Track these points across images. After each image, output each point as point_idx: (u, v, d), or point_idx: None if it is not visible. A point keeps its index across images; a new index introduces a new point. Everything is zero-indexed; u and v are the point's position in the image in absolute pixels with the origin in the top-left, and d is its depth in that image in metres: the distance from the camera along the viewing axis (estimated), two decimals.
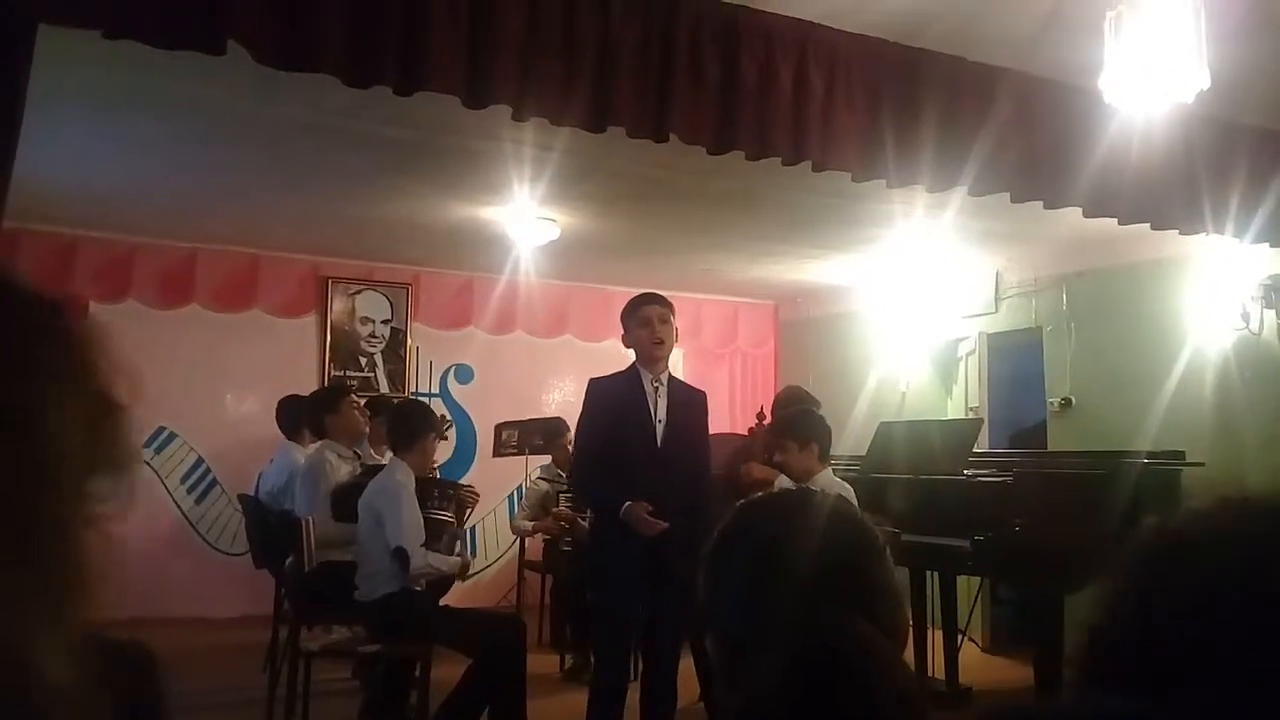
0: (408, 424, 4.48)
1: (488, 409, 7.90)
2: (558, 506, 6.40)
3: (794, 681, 1.04)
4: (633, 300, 4.15)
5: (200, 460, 7.41)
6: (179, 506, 7.35)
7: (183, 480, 7.37)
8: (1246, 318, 5.84)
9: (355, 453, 5.19)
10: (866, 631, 1.08)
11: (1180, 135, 4.01)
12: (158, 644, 0.90)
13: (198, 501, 7.40)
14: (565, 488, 6.35)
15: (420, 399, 7.52)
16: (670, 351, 4.11)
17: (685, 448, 4.01)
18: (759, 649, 1.09)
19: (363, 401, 5.75)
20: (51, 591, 0.57)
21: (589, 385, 4.15)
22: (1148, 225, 4.27)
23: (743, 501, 1.26)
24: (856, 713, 1.03)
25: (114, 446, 0.63)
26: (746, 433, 5.98)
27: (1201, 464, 5.63)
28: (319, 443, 5.29)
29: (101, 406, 0.61)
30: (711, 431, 4.56)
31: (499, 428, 7.38)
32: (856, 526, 1.20)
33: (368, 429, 5.43)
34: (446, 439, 6.15)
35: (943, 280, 7.53)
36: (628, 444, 3.94)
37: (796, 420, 4.67)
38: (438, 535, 4.38)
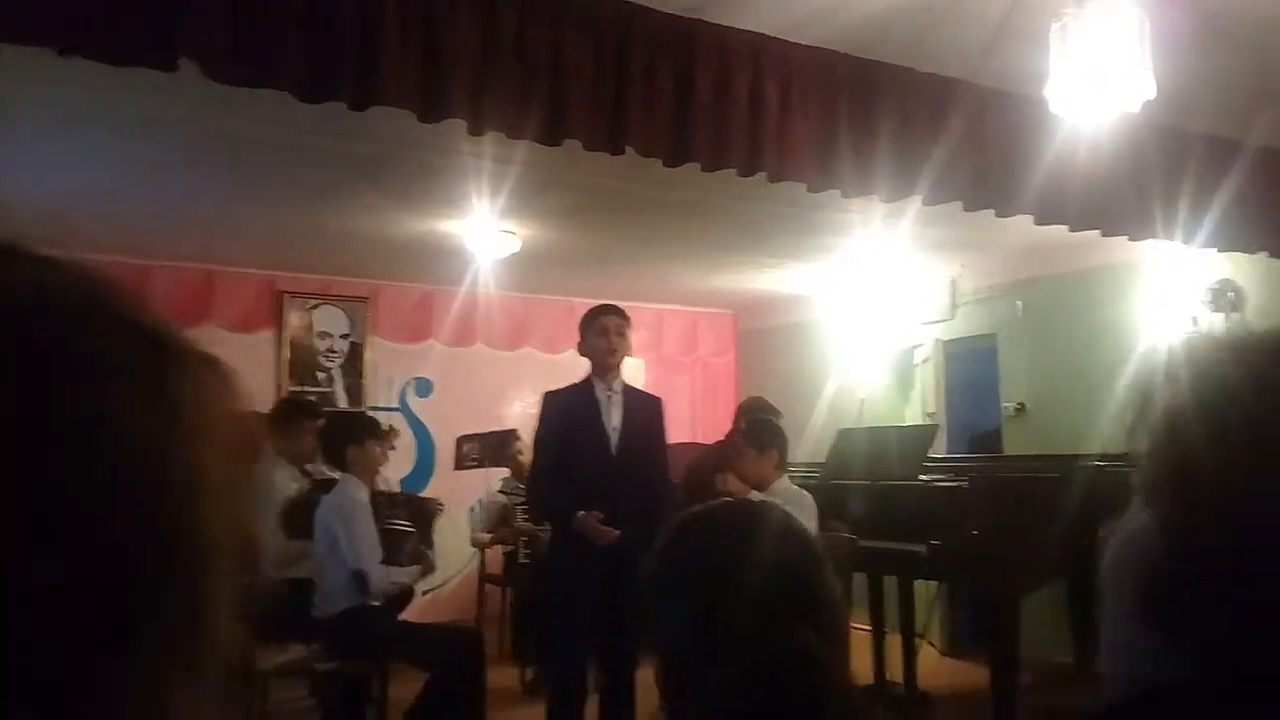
0: (333, 438, 4.41)
1: (448, 422, 7.86)
2: (516, 520, 6.39)
3: (745, 697, 1.04)
4: (590, 311, 4.22)
5: None
6: None
7: None
8: (1196, 321, 5.95)
9: (304, 471, 5.10)
10: (814, 644, 1.08)
11: (1128, 143, 4.09)
12: None
13: None
14: (523, 500, 6.34)
15: (351, 409, 7.48)
16: (623, 360, 4.15)
17: (642, 455, 4.03)
18: (706, 664, 1.08)
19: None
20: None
21: (543, 398, 4.18)
22: (1098, 232, 4.34)
23: (684, 515, 1.25)
24: None
25: (250, 518, 0.55)
26: (717, 443, 5.94)
27: None
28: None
29: (243, 475, 0.54)
30: (673, 440, 4.58)
31: (460, 440, 7.35)
32: (800, 537, 1.20)
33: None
34: (394, 448, 6.05)
35: (899, 288, 7.60)
36: (583, 454, 3.96)
37: (757, 427, 4.71)
38: (399, 547, 4.34)
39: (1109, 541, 0.85)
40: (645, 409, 4.21)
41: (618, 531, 3.78)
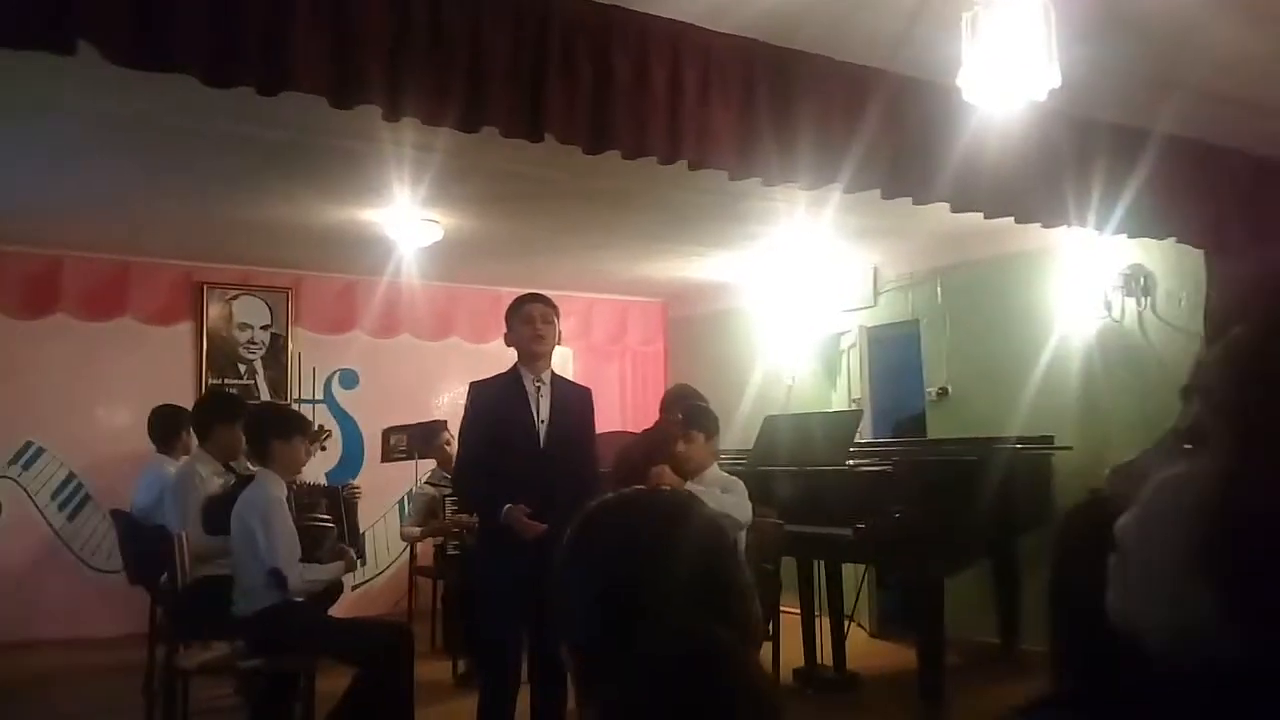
0: (259, 432, 4.30)
1: (375, 414, 7.77)
2: (444, 512, 6.33)
3: (655, 694, 1.03)
4: (516, 300, 4.16)
5: (71, 475, 7.12)
6: (50, 524, 7.05)
7: (53, 496, 7.07)
8: (1109, 306, 6.11)
9: (229, 466, 5.02)
10: (727, 640, 1.07)
11: (1039, 132, 4.16)
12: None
13: (70, 518, 7.10)
14: (451, 491, 6.30)
15: (281, 402, 7.38)
16: (551, 350, 4.11)
17: (570, 446, 4.00)
18: (614, 659, 1.07)
19: None
20: None
21: (470, 388, 4.13)
22: (1012, 219, 4.42)
23: (595, 503, 1.23)
24: None
25: None
26: (646, 432, 5.91)
27: (1069, 447, 5.87)
28: (186, 456, 5.12)
29: None
30: (603, 430, 4.57)
31: (387, 433, 7.27)
32: (711, 527, 1.19)
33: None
34: (325, 449, 5.97)
35: (824, 276, 7.69)
36: (510, 445, 3.92)
37: (705, 413, 4.71)
38: (318, 543, 4.26)
39: (1148, 483, 0.78)
40: (574, 400, 4.17)
41: (545, 525, 3.76)
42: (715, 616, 1.09)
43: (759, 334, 8.35)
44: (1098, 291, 6.13)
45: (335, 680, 4.11)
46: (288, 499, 4.14)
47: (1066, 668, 1.15)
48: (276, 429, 4.27)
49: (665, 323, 9.49)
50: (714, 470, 4.59)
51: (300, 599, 4.07)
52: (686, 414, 4.70)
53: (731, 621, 1.10)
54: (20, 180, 5.38)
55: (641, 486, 3.01)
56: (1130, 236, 5.05)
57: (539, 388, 4.03)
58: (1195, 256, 5.36)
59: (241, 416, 4.98)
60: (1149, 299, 5.98)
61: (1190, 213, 4.87)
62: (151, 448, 5.75)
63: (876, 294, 7.55)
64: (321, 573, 4.20)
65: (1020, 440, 5.70)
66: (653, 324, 9.47)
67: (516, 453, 3.93)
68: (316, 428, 6.20)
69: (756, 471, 5.51)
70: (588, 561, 1.17)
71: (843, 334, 7.83)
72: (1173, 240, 5.07)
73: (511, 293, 4.40)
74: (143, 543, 5.00)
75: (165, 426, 5.69)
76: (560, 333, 4.20)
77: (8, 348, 6.88)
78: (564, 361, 8.17)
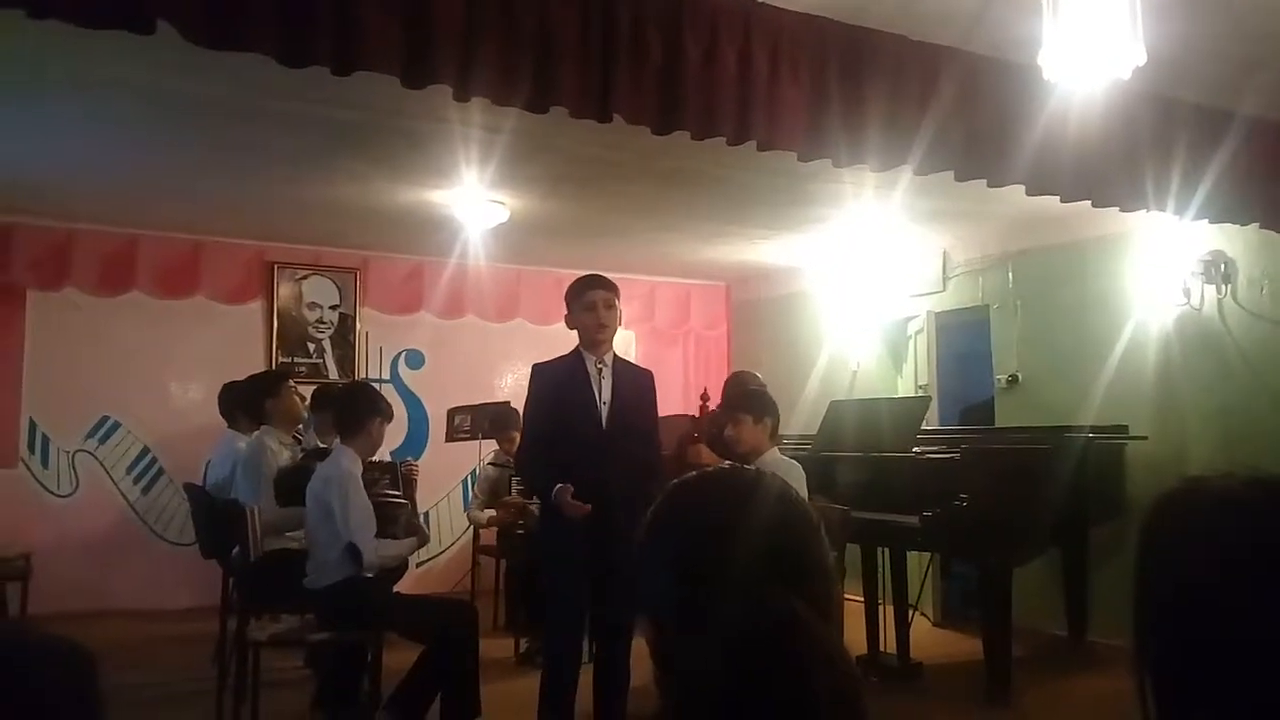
0: (354, 408, 4.36)
1: (440, 394, 7.85)
2: (510, 493, 6.37)
3: (731, 665, 1.03)
4: (577, 282, 4.11)
5: (146, 450, 7.30)
6: (125, 497, 7.24)
7: (128, 470, 7.26)
8: (1188, 293, 5.94)
9: (295, 437, 5.11)
10: (803, 613, 1.07)
11: (1120, 112, 4.06)
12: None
13: (144, 492, 7.29)
14: (515, 472, 6.33)
15: (367, 382, 7.47)
16: (614, 335, 4.09)
17: (632, 429, 3.99)
18: (692, 631, 1.07)
19: (309, 391, 5.67)
20: None
21: (533, 370, 4.13)
22: (1089, 203, 4.31)
23: (676, 481, 1.24)
24: (794, 697, 1.02)
25: None
26: (694, 415, 5.96)
27: (1144, 438, 5.74)
28: (258, 430, 5.21)
29: None
30: (665, 413, 4.55)
31: (451, 412, 7.34)
32: (792, 504, 1.19)
33: (307, 414, 5.34)
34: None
35: (891, 259, 7.58)
36: (573, 427, 3.92)
37: (752, 395, 4.73)
38: (393, 519, 4.32)
39: None
40: (636, 382, 4.15)
41: (589, 507, 3.76)
42: (791, 591, 1.08)
43: (824, 318, 8.28)
44: (1176, 278, 5.96)
45: (402, 655, 4.17)
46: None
47: (1149, 656, 1.11)
48: (381, 408, 4.36)
49: (729, 306, 9.45)
50: (772, 454, 4.56)
51: (371, 574, 4.12)
52: (731, 401, 4.73)
53: (808, 598, 1.09)
54: (97, 160, 5.51)
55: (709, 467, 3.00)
56: (1211, 222, 4.90)
57: (601, 370, 4.02)
58: (1278, 243, 5.19)
59: (281, 383, 5.09)
60: (1229, 286, 5.80)
61: (1274, 197, 4.72)
62: (223, 423, 5.87)
63: (945, 278, 7.43)
64: (395, 548, 4.26)
65: (1093, 430, 5.58)
66: (716, 307, 9.43)
67: (579, 434, 3.94)
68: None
69: (821, 457, 5.46)
70: (666, 536, 1.19)
71: (910, 319, 7.72)
72: (1255, 226, 4.91)
73: (575, 274, 4.37)
74: (215, 516, 5.10)
75: (231, 403, 5.80)
76: (621, 313, 4.17)
77: (85, 325, 7.06)
78: (626, 345, 8.18)
